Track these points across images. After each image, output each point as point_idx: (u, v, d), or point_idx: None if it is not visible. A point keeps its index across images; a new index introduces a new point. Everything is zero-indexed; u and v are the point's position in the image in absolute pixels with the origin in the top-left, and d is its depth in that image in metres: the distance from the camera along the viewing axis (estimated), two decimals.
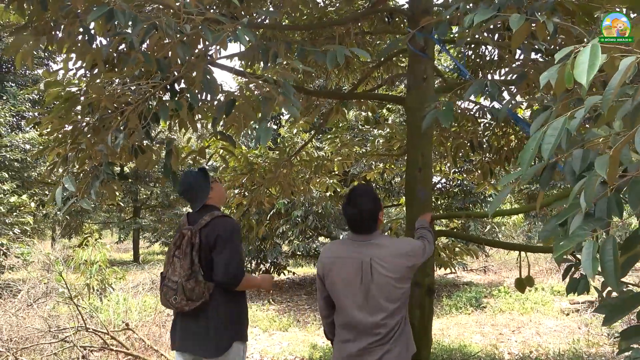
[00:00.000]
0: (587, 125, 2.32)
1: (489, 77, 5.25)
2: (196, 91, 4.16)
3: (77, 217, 17.95)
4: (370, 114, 5.23)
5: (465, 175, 9.43)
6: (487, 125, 5.64)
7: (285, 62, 2.46)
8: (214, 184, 2.99)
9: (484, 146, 5.54)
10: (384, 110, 9.78)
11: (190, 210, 2.97)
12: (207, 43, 3.30)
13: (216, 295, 2.71)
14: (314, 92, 4.41)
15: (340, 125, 7.37)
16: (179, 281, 2.65)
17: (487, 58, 5.37)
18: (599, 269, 1.29)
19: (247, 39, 2.32)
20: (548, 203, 2.66)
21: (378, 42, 5.83)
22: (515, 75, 3.15)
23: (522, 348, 6.27)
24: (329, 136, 7.16)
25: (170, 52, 2.72)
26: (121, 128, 2.94)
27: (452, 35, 4.46)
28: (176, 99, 3.31)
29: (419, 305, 3.49)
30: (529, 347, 6.26)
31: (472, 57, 5.33)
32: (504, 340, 6.72)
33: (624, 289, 1.84)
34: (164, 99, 3.62)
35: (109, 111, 3.20)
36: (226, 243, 2.70)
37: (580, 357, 5.72)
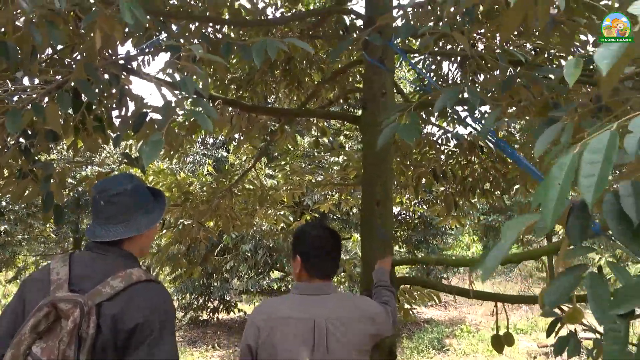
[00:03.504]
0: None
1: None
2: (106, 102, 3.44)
3: (5, 248, 16.27)
4: (320, 135, 4.61)
5: (426, 208, 8.94)
6: (449, 153, 5.21)
7: (185, 50, 1.76)
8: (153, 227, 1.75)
9: (448, 176, 5.10)
10: (342, 137, 9.23)
11: (85, 245, 1.69)
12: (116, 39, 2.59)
13: None
14: (251, 107, 3.73)
15: (292, 151, 6.72)
16: None
17: (450, 80, 4.93)
18: None
19: (135, 17, 1.62)
20: (554, 250, 2.05)
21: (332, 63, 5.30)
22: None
23: None
24: (280, 163, 6.48)
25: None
26: None
27: (414, 44, 3.93)
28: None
29: None
30: None
31: (433, 78, 4.85)
32: None
33: None
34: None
35: None
36: (156, 342, 1.41)
37: None
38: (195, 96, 1.83)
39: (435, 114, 5.01)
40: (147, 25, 2.20)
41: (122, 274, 1.47)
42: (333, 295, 1.88)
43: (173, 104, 1.83)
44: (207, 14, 3.23)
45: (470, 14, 1.92)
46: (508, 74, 2.10)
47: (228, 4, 3.83)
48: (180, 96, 1.97)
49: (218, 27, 3.78)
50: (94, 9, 1.74)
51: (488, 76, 3.32)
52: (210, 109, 1.83)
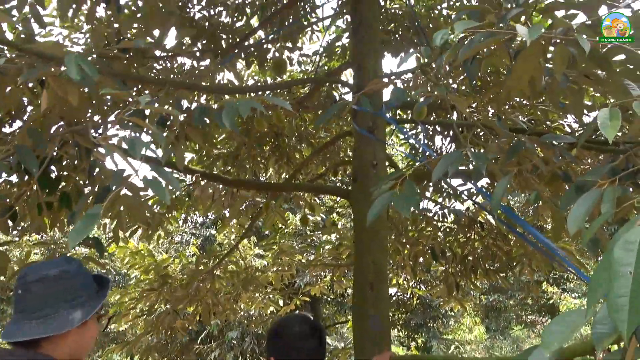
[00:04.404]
0: None
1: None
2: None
3: None
4: (308, 212, 4.32)
5: (425, 289, 8.46)
6: (448, 229, 4.93)
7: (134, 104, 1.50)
8: (92, 321, 1.41)
9: (447, 255, 4.78)
10: (334, 215, 8.93)
11: None
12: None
13: None
14: (233, 181, 3.47)
15: (282, 228, 6.39)
16: None
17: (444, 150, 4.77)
18: None
19: (81, 69, 1.39)
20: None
21: (322, 135, 5.17)
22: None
23: None
24: (268, 242, 6.12)
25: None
26: None
27: (405, 112, 3.78)
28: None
29: None
30: None
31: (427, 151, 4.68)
32: None
33: None
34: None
35: None
36: None
37: None
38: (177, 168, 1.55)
39: (431, 189, 4.79)
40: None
41: None
42: None
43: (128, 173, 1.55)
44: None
45: (471, 74, 1.72)
46: (514, 140, 1.87)
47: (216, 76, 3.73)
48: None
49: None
50: (36, 64, 1.51)
51: (484, 150, 3.14)
52: (171, 177, 1.55)
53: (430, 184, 4.33)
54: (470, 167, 2.65)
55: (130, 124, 1.59)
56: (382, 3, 4.75)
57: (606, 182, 1.04)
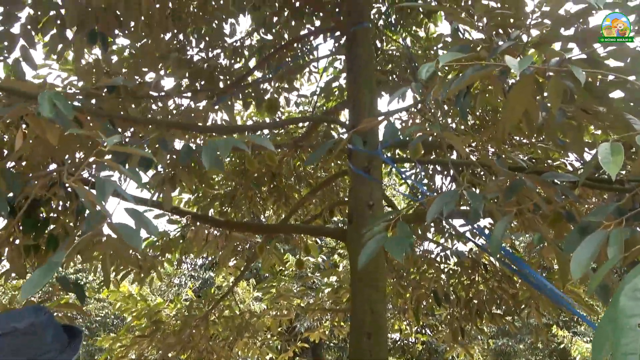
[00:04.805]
0: None
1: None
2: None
3: None
4: (304, 255, 4.19)
5: (430, 333, 8.14)
6: (450, 272, 4.77)
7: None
8: None
9: (451, 298, 4.60)
10: (335, 256, 8.74)
11: None
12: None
13: None
14: (226, 223, 3.37)
15: (281, 271, 6.22)
16: None
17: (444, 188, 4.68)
18: None
19: (58, 111, 1.33)
20: None
21: (321, 175, 5.11)
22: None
23: None
24: (266, 285, 5.94)
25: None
26: None
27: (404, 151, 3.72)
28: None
29: None
30: None
31: (425, 190, 4.60)
32: None
33: None
34: None
35: None
36: None
37: None
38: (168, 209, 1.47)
39: (432, 230, 4.67)
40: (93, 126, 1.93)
41: None
42: None
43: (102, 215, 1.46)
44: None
45: (463, 109, 1.66)
46: (513, 178, 1.78)
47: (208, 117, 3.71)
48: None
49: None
50: (15, 105, 1.46)
51: (483, 189, 3.05)
52: (148, 221, 1.46)
53: (432, 224, 4.22)
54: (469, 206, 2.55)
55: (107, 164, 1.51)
56: (379, 44, 4.80)
57: (612, 223, 0.95)
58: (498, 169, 1.79)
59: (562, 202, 1.89)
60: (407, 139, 2.95)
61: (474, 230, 3.97)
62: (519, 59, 1.03)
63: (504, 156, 2.43)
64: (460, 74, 1.42)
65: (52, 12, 2.54)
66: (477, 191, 4.00)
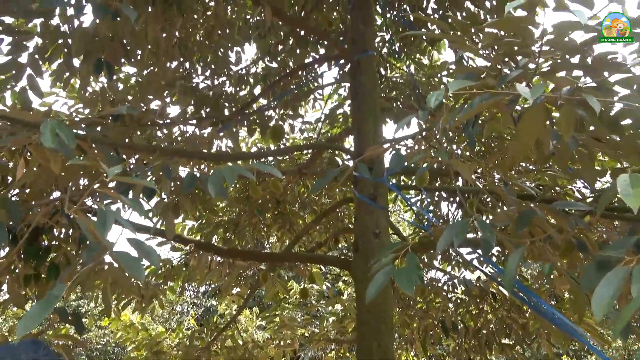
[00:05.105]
0: None
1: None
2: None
3: None
4: (308, 283, 4.11)
5: None
6: (458, 301, 4.67)
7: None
8: None
9: (459, 328, 4.48)
10: (340, 283, 8.60)
11: None
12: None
13: None
14: (228, 251, 3.32)
15: (285, 299, 6.11)
16: None
17: (450, 222, 4.62)
18: None
19: (60, 140, 1.31)
20: None
21: (326, 202, 5.07)
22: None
23: None
24: (270, 313, 5.82)
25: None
26: None
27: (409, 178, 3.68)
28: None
29: None
30: None
31: (432, 218, 4.54)
32: None
33: None
34: None
35: None
36: None
37: None
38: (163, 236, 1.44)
39: (439, 257, 4.60)
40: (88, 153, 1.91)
41: None
42: None
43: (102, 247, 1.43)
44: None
45: (471, 138, 1.63)
46: (523, 207, 1.74)
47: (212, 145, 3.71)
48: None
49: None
50: (19, 134, 1.45)
51: (491, 217, 3.00)
52: (151, 251, 1.43)
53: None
54: (479, 234, 2.50)
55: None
56: (383, 72, 4.83)
57: (634, 258, 0.91)
58: (506, 197, 1.75)
59: (573, 231, 1.85)
60: (413, 165, 2.94)
61: (481, 259, 3.90)
62: (530, 87, 1.01)
63: (510, 183, 2.39)
64: (468, 102, 1.41)
65: (59, 41, 2.57)
66: (485, 218, 3.95)
